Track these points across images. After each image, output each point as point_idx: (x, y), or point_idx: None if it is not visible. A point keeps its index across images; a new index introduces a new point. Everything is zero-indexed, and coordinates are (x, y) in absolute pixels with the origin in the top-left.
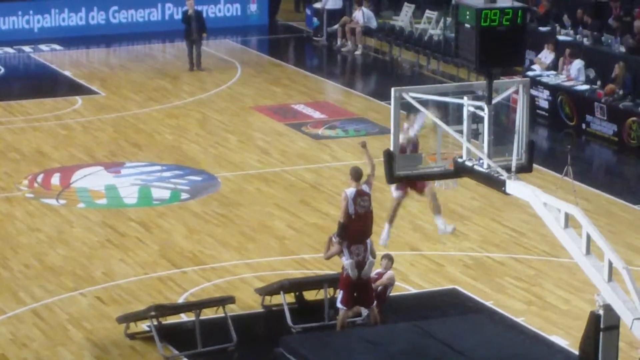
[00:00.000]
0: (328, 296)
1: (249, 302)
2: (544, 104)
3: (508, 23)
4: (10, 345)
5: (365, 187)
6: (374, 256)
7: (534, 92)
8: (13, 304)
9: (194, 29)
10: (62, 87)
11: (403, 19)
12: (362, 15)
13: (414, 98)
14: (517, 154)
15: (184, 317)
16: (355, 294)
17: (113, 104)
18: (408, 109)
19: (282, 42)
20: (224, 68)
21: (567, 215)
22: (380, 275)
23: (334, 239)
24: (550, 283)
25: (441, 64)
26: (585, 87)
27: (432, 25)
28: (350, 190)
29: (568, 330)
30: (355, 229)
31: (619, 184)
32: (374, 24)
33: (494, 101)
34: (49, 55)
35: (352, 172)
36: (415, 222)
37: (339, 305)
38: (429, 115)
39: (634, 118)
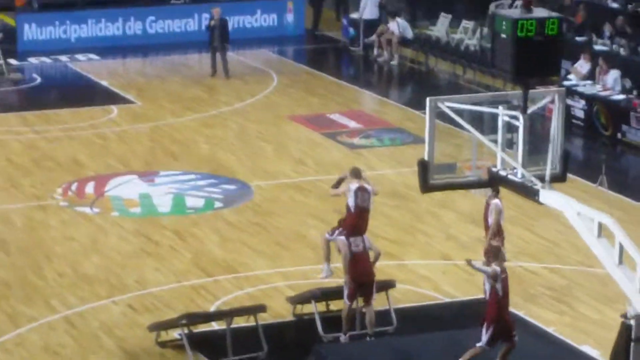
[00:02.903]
0: (360, 305)
1: (280, 311)
2: (580, 114)
3: (544, 33)
4: (42, 352)
5: (367, 186)
6: (376, 251)
7: (569, 101)
8: (46, 311)
9: (216, 37)
10: (99, 96)
11: (439, 29)
12: (396, 26)
13: (449, 108)
14: (551, 163)
15: (215, 326)
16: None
17: (149, 114)
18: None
19: (319, 52)
20: (260, 78)
21: (600, 225)
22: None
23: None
24: (583, 293)
25: (477, 73)
26: (621, 96)
27: (469, 35)
28: (354, 185)
29: (599, 340)
30: (354, 222)
31: None
32: (409, 34)
33: (529, 111)
34: (86, 65)
35: (351, 171)
36: (449, 231)
37: (345, 300)
38: (465, 125)
39: None
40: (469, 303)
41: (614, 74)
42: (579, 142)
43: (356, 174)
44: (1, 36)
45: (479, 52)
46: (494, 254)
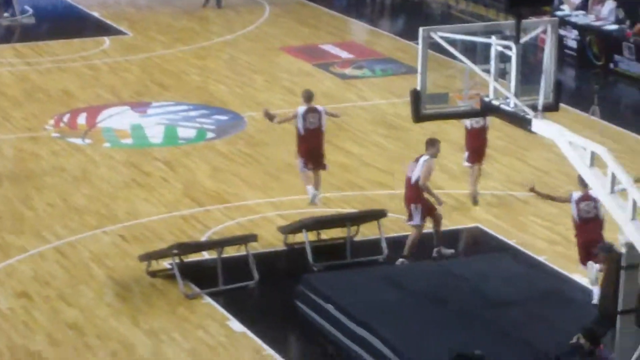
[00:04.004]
0: (351, 234)
1: (271, 241)
2: (572, 44)
3: None
4: (33, 282)
5: (318, 107)
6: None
7: (562, 32)
8: (36, 242)
9: None
10: (90, 27)
11: None
12: None
13: (442, 38)
14: (543, 93)
15: (206, 255)
16: None
17: (140, 45)
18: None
19: None
20: (252, 8)
21: (592, 154)
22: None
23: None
24: None
25: (470, 4)
26: (614, 27)
27: None
28: (302, 108)
29: None
30: (304, 144)
31: None
32: None
33: (522, 41)
34: None
35: (302, 94)
36: (441, 162)
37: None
38: (458, 55)
39: None
40: (460, 232)
41: (609, 4)
42: (572, 73)
43: (306, 97)
44: None
45: None
46: None
